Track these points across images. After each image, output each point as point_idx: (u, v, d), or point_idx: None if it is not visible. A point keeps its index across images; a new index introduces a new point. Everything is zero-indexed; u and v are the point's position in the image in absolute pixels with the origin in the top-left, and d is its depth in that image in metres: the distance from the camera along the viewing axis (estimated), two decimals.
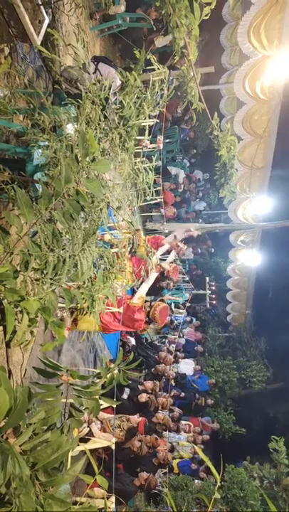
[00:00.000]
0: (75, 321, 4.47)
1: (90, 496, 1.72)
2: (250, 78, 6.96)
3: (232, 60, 10.20)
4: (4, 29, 3.57)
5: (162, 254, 6.57)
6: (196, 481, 7.31)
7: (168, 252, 6.65)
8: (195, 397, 9.85)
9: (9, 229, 1.72)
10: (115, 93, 3.33)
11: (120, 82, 3.42)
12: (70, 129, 2.67)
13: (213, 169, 5.67)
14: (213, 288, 13.22)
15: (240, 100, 7.72)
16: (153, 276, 5.31)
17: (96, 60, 4.32)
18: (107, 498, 3.68)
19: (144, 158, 5.68)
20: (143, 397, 6.15)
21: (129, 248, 5.48)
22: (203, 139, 12.92)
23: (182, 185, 12.38)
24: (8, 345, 1.66)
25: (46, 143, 2.56)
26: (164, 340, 10.23)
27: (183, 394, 9.63)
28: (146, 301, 5.44)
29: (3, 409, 1.22)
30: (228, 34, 10.07)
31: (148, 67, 4.46)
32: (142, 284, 4.99)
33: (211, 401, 10.07)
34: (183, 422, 8.87)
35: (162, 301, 5.87)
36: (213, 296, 13.21)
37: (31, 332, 1.66)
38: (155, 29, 7.89)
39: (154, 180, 4.48)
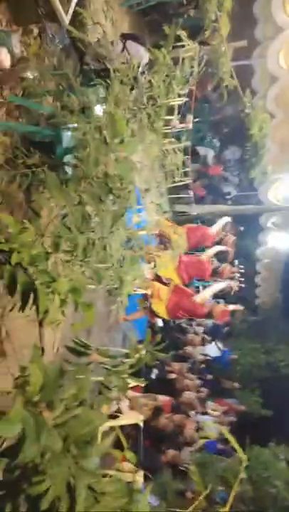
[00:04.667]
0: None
1: (119, 470, 1.78)
2: (285, 51, 6.64)
3: (266, 32, 9.69)
4: (33, 9, 3.55)
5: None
6: (222, 459, 7.40)
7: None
8: (221, 380, 9.88)
9: (40, 212, 1.75)
10: (144, 72, 3.26)
11: (148, 59, 3.34)
12: (98, 110, 2.65)
13: (244, 148, 5.51)
14: (242, 271, 13.01)
15: (273, 75, 7.39)
16: (221, 285, 5.35)
17: (124, 37, 4.23)
18: (135, 473, 3.80)
19: (173, 139, 5.58)
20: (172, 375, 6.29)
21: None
22: (234, 117, 12.50)
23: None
24: (41, 324, 1.72)
25: (75, 125, 2.56)
26: (191, 322, 10.24)
27: (210, 376, 9.68)
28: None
29: (36, 385, 1.27)
30: (261, 5, 9.54)
31: (178, 44, 4.32)
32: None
33: (238, 384, 10.08)
34: (209, 403, 8.94)
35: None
36: (242, 279, 13.01)
37: (62, 312, 1.71)
38: (186, 3, 7.60)
39: (183, 161, 4.39)
